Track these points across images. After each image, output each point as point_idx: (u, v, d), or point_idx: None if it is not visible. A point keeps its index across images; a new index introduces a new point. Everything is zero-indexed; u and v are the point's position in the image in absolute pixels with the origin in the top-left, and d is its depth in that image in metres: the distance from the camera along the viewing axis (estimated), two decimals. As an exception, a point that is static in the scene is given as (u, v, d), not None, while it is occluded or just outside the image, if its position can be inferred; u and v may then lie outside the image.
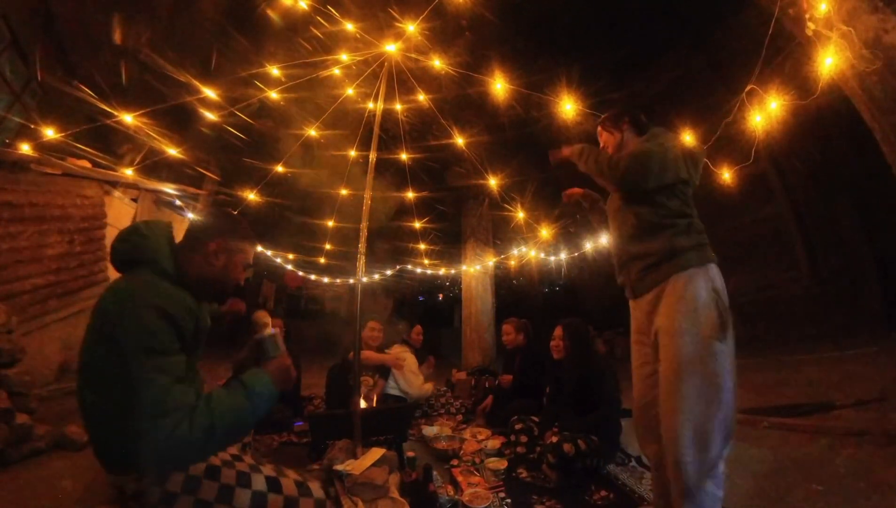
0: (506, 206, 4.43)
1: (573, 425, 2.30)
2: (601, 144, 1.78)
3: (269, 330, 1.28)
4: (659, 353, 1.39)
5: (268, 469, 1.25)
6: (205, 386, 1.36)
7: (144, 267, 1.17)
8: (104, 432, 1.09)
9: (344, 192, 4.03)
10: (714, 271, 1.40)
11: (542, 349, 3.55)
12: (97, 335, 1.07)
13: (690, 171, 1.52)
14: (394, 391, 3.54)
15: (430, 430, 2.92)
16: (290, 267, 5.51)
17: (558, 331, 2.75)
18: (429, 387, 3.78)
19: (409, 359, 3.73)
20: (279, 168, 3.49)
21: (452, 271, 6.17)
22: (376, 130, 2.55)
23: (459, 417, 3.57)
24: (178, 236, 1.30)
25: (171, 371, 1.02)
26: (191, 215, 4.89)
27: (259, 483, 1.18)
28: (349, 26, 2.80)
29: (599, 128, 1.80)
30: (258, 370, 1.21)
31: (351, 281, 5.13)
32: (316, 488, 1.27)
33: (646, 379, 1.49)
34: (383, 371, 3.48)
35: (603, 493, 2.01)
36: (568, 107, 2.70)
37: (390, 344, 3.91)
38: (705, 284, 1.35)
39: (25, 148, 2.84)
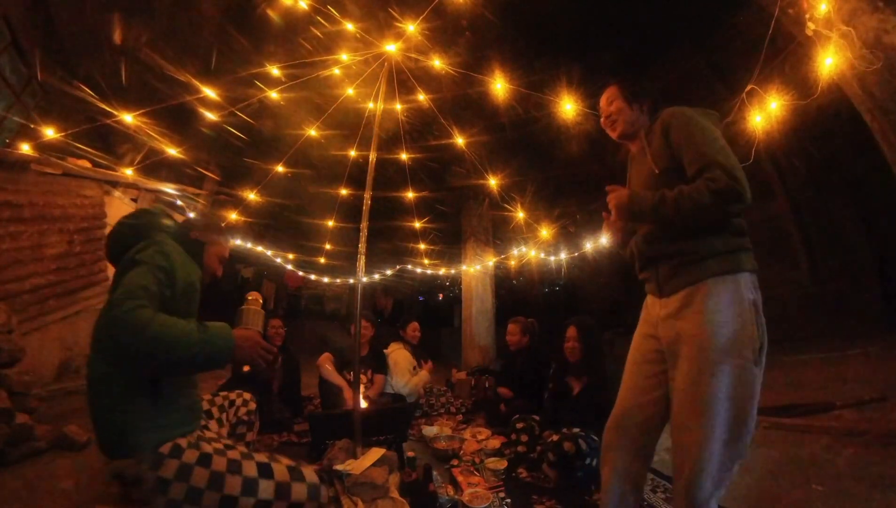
0: (506, 206, 4.43)
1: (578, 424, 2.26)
2: (604, 105, 1.49)
3: (255, 307, 1.37)
4: (676, 361, 1.22)
5: (260, 457, 1.27)
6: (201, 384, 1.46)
7: (159, 233, 1.37)
8: (108, 407, 1.14)
9: (344, 192, 4.04)
10: (755, 281, 1.21)
11: (543, 348, 3.55)
12: (110, 299, 1.17)
13: None
14: (391, 390, 3.55)
15: (430, 430, 2.92)
16: (290, 267, 5.51)
17: (572, 331, 2.59)
18: (420, 377, 3.74)
19: (401, 357, 3.73)
20: (279, 168, 3.49)
21: (452, 271, 6.18)
22: (376, 129, 2.55)
23: (459, 417, 3.57)
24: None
25: (148, 281, 1.16)
26: (191, 215, 4.90)
27: (250, 469, 1.20)
28: (349, 26, 2.80)
29: (615, 88, 1.47)
30: (225, 324, 1.24)
31: (351, 281, 5.13)
32: (309, 472, 1.28)
33: (647, 379, 1.34)
34: (377, 367, 3.48)
35: (603, 493, 2.01)
36: (568, 107, 2.70)
37: (387, 342, 3.91)
38: (748, 294, 1.16)
39: (25, 148, 2.84)
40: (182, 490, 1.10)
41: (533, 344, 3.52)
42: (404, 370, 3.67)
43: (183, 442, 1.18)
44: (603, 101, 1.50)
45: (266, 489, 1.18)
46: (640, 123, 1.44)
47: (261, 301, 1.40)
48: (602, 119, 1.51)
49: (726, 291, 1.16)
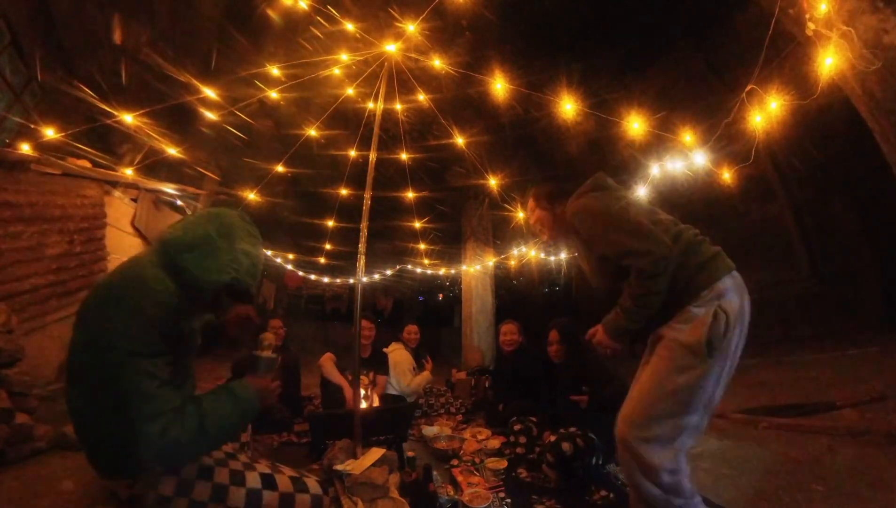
0: (506, 206, 4.43)
1: (577, 419, 2.29)
2: (528, 215, 1.69)
3: (270, 353, 1.32)
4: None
5: (263, 466, 1.25)
6: (200, 385, 1.37)
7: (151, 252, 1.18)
8: (94, 437, 1.08)
9: (344, 192, 4.04)
10: (726, 283, 1.33)
11: (535, 348, 3.56)
12: (83, 337, 1.07)
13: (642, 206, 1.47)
14: (393, 391, 3.55)
15: (430, 430, 2.92)
16: (289, 267, 5.51)
17: (554, 335, 2.73)
18: (422, 378, 3.75)
19: (402, 357, 3.73)
20: (279, 168, 3.49)
21: (452, 271, 6.18)
22: (376, 129, 2.55)
23: (459, 417, 3.57)
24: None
25: (155, 372, 1.01)
26: (191, 214, 4.89)
27: (253, 480, 1.18)
28: (349, 26, 2.80)
29: (531, 199, 1.66)
30: (246, 381, 1.22)
31: (351, 281, 5.13)
32: (312, 483, 1.27)
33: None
34: (380, 368, 3.48)
35: (603, 493, 2.01)
36: (568, 107, 2.70)
37: (387, 343, 3.91)
38: (697, 312, 1.30)
39: (25, 148, 2.84)
40: (184, 505, 1.07)
41: (524, 345, 3.54)
42: (405, 371, 3.67)
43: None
44: (527, 212, 1.70)
45: (270, 500, 1.16)
46: (557, 212, 1.60)
47: (273, 343, 1.36)
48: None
49: (682, 321, 1.33)
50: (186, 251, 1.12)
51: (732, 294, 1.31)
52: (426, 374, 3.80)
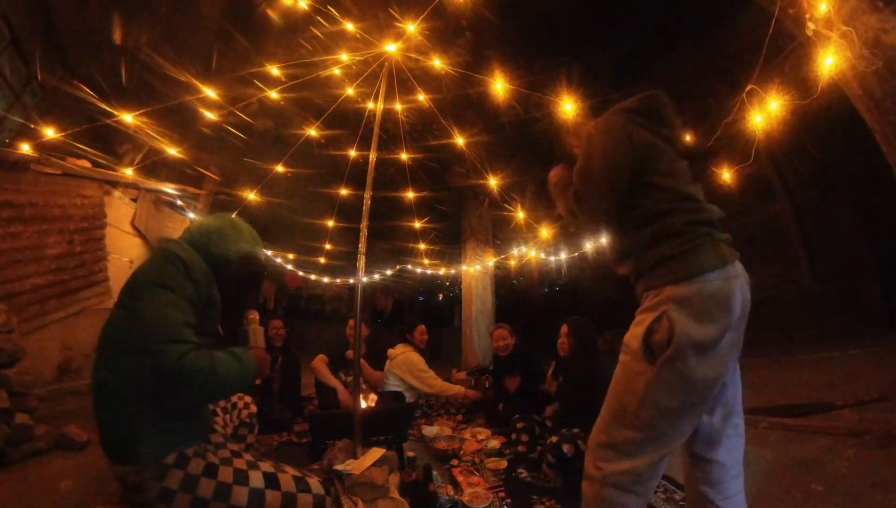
0: (506, 206, 4.43)
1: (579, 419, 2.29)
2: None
3: (256, 326, 1.48)
4: None
5: (266, 466, 1.26)
6: None
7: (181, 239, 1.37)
8: (113, 414, 1.12)
9: (344, 191, 4.04)
10: (691, 289, 1.08)
11: (537, 348, 3.57)
12: (123, 299, 1.17)
13: (645, 150, 1.20)
14: (392, 388, 3.53)
15: (430, 430, 2.92)
16: (290, 267, 5.51)
17: (564, 329, 2.77)
18: (454, 390, 3.58)
19: (416, 358, 3.66)
20: (279, 168, 3.49)
21: (452, 271, 6.18)
22: (376, 129, 2.55)
23: (459, 417, 3.57)
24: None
25: (184, 311, 1.14)
26: (191, 215, 4.90)
27: (257, 479, 1.20)
28: (349, 26, 2.80)
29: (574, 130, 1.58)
30: (243, 348, 1.33)
31: (351, 281, 5.13)
32: (315, 484, 1.28)
33: None
34: (375, 367, 3.47)
35: (603, 493, 2.01)
36: (568, 107, 2.69)
37: (393, 343, 3.89)
38: (673, 304, 1.09)
39: (25, 148, 2.84)
40: (187, 501, 1.09)
41: (519, 346, 3.54)
42: (424, 370, 3.52)
43: (189, 451, 1.16)
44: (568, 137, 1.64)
45: (272, 499, 1.18)
46: None
47: (257, 317, 1.51)
48: None
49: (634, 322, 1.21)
50: (205, 235, 1.37)
51: (692, 309, 1.07)
52: (459, 388, 3.62)
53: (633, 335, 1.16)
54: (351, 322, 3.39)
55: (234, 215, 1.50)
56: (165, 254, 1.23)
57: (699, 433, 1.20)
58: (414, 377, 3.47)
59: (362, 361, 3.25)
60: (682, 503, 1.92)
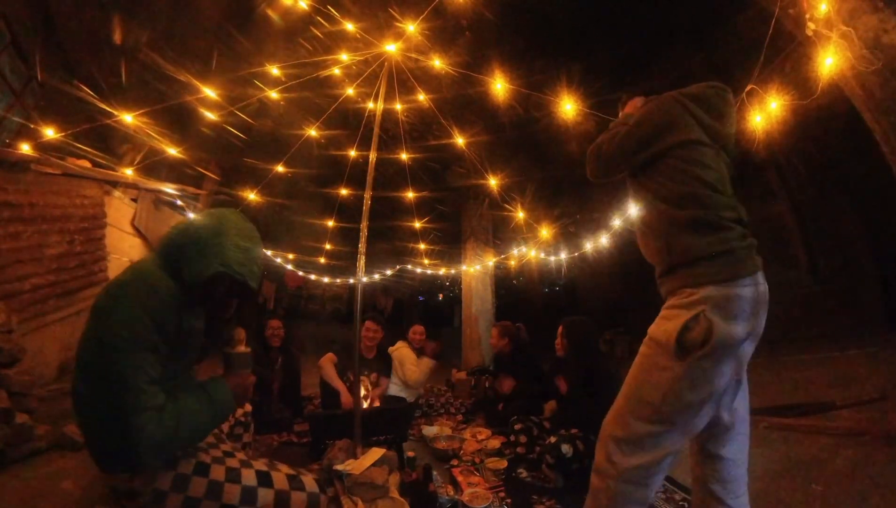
0: (506, 206, 4.43)
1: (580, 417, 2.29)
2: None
3: (242, 348, 1.33)
4: None
5: (260, 464, 1.26)
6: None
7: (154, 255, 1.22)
8: (95, 428, 1.10)
9: (344, 191, 4.03)
10: (731, 292, 1.10)
11: (538, 348, 3.57)
12: (91, 329, 1.10)
13: (699, 122, 1.25)
14: (393, 391, 3.54)
15: (430, 430, 2.92)
16: (289, 267, 5.51)
17: (560, 329, 2.77)
18: (425, 363, 3.74)
19: (405, 353, 3.74)
20: (279, 168, 3.49)
21: (452, 271, 6.17)
22: (376, 129, 2.55)
23: (459, 417, 3.58)
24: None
25: (145, 367, 1.04)
26: (191, 215, 4.89)
27: (249, 478, 1.19)
28: (349, 26, 2.80)
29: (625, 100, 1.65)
30: (221, 380, 1.23)
31: (351, 281, 5.12)
32: (309, 481, 1.28)
33: None
34: (384, 370, 3.47)
35: (603, 493, 2.01)
36: (568, 107, 2.69)
37: (393, 343, 3.90)
38: (711, 305, 1.11)
39: (25, 148, 2.84)
40: (179, 501, 1.09)
41: (516, 347, 3.54)
42: (409, 364, 3.69)
43: (178, 452, 1.16)
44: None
45: (265, 498, 1.17)
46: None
47: (244, 338, 1.37)
48: None
49: (662, 316, 1.22)
50: (178, 249, 1.17)
51: (727, 311, 1.10)
52: (427, 360, 3.76)
53: (664, 329, 1.16)
54: (368, 324, 3.38)
55: (227, 211, 1.28)
56: (131, 288, 1.09)
57: (712, 430, 1.22)
58: (399, 372, 3.64)
59: (373, 376, 3.29)
60: (682, 503, 1.93)
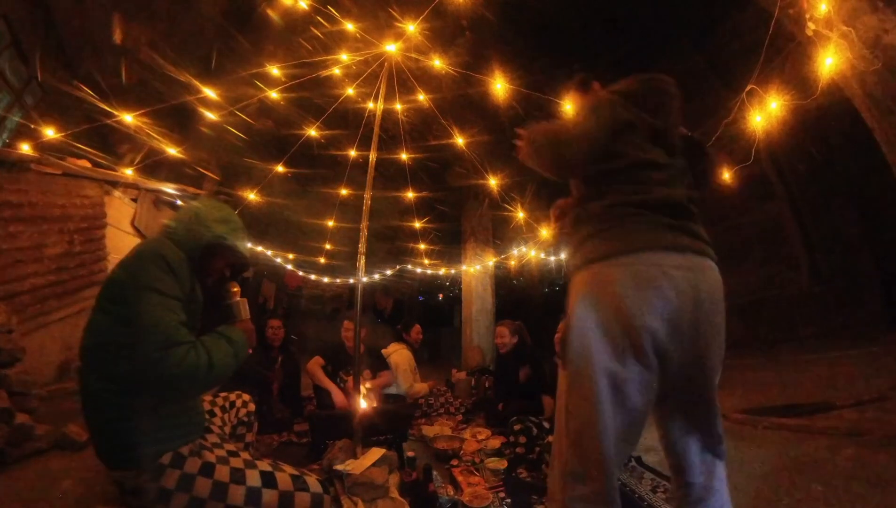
0: (506, 206, 4.43)
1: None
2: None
3: (238, 298, 1.45)
4: None
5: (264, 465, 1.26)
6: None
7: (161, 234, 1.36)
8: (106, 422, 1.11)
9: (344, 192, 4.04)
10: (626, 270, 0.99)
11: (534, 349, 3.57)
12: (105, 304, 1.15)
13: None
14: (392, 390, 3.54)
15: (430, 430, 2.92)
16: (289, 267, 5.51)
17: (561, 327, 2.78)
18: (422, 388, 3.75)
19: (403, 358, 3.73)
20: (279, 168, 3.49)
21: (452, 271, 6.18)
22: (376, 129, 2.55)
23: (459, 417, 3.57)
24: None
25: (176, 310, 1.13)
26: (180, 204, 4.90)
27: (254, 478, 1.20)
28: (349, 26, 2.80)
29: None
30: (230, 326, 1.33)
31: (351, 281, 5.13)
32: (313, 482, 1.28)
33: None
34: (374, 366, 3.46)
35: (603, 493, 2.01)
36: (568, 107, 2.69)
37: (387, 342, 3.91)
38: (602, 287, 1.02)
39: (25, 148, 2.84)
40: (184, 500, 1.10)
41: (521, 345, 3.53)
42: (406, 372, 3.67)
43: (185, 450, 1.17)
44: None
45: (269, 498, 1.17)
46: None
47: (238, 289, 1.49)
48: None
49: (599, 279, 1.07)
50: (187, 226, 1.35)
51: (598, 295, 1.01)
52: (425, 387, 3.82)
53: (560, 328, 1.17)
54: (346, 324, 3.36)
55: (215, 201, 1.49)
56: (146, 254, 1.20)
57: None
58: (396, 370, 3.62)
59: (366, 372, 3.27)
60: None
